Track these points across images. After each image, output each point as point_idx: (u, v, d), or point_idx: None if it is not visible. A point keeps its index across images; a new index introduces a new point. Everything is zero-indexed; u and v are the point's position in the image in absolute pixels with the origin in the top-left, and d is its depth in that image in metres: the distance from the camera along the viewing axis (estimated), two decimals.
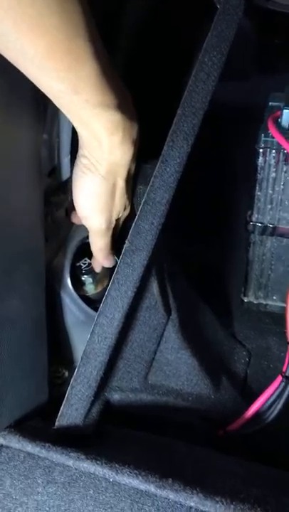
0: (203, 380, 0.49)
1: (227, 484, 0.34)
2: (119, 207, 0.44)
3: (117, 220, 0.46)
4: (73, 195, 0.43)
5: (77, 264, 0.50)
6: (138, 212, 0.44)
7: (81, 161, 0.41)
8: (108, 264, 0.48)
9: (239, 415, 0.47)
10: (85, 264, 0.51)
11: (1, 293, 0.36)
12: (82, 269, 0.51)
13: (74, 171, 0.43)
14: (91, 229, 0.45)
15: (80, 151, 0.41)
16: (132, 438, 0.42)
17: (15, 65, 0.33)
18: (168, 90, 0.51)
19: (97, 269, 0.51)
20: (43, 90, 0.35)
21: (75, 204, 0.44)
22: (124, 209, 0.45)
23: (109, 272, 0.53)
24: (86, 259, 0.51)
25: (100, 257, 0.48)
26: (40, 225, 0.41)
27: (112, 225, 0.45)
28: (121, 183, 0.42)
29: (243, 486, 0.35)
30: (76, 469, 0.34)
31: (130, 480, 0.32)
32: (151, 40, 0.52)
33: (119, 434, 0.42)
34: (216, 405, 0.49)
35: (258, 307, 0.60)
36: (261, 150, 0.51)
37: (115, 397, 0.45)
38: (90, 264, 0.51)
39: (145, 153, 0.49)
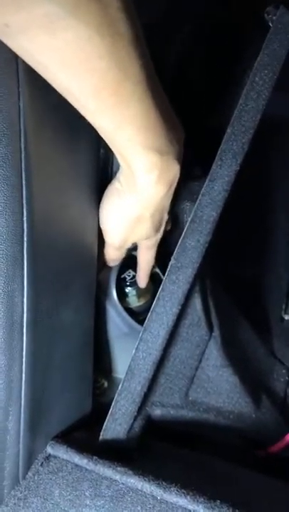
0: (244, 398, 0.48)
1: (274, 509, 0.33)
2: (138, 235, 0.45)
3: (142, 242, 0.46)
4: (100, 206, 0.44)
5: (122, 276, 0.51)
6: (184, 230, 0.44)
7: (115, 184, 0.42)
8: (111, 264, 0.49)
9: (280, 436, 0.47)
10: (129, 276, 0.51)
11: (59, 305, 0.37)
12: (126, 281, 0.51)
13: (108, 186, 0.43)
14: (106, 241, 0.45)
15: (118, 174, 0.42)
16: (174, 454, 0.42)
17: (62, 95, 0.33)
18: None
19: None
20: (88, 121, 0.35)
21: (100, 215, 0.44)
22: (147, 237, 0.45)
23: (151, 285, 0.54)
24: (130, 271, 0.52)
25: (110, 264, 0.48)
26: (95, 236, 0.42)
27: (127, 245, 0.46)
28: (147, 216, 0.42)
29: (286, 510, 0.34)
30: (123, 484, 0.34)
31: (178, 499, 0.33)
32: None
33: (161, 449, 0.43)
34: (257, 425, 0.49)
35: None
36: None
37: (157, 412, 0.46)
38: (134, 276, 0.52)
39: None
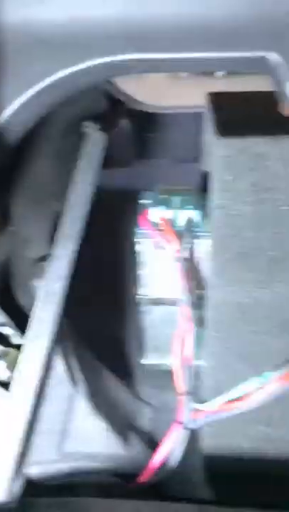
0: (113, 440, 0.56)
1: None
2: None
3: None
4: None
5: None
6: (35, 305, 0.52)
7: None
8: None
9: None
10: None
11: None
12: None
13: None
14: None
15: None
16: (55, 505, 0.47)
17: None
18: None
19: None
20: None
21: None
22: None
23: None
24: None
25: None
26: None
27: None
28: None
29: None
30: None
31: None
32: None
33: (39, 503, 0.47)
34: (127, 461, 0.56)
35: (156, 367, 0.70)
36: (137, 240, 0.63)
37: (34, 471, 0.50)
38: None
39: None
